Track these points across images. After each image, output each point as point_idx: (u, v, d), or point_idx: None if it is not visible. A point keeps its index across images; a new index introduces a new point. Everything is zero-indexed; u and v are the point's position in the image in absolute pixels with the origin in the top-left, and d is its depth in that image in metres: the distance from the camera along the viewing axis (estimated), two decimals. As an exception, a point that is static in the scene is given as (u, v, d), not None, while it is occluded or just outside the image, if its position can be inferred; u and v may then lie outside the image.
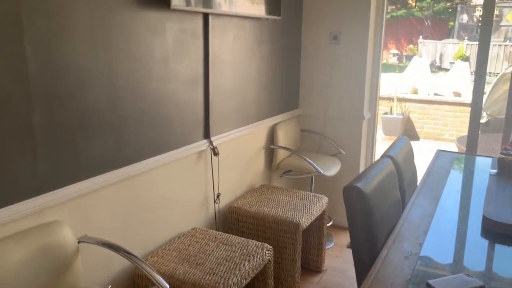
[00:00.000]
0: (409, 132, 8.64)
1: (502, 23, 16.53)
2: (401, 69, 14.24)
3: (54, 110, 1.89)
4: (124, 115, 2.27)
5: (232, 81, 3.17)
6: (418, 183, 2.71)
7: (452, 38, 17.22)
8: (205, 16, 2.78)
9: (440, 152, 3.31)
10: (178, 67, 2.61)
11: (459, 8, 17.56)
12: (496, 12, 15.48)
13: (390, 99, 8.63)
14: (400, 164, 2.59)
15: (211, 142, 2.94)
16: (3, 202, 1.73)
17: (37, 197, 1.86)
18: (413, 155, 3.04)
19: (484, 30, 3.63)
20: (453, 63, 13.52)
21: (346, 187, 2.01)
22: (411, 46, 18.04)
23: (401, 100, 8.59)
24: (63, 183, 1.97)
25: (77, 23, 1.94)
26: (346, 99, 4.02)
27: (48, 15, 1.81)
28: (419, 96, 8.85)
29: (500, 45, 14.26)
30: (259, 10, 3.24)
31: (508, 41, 15.30)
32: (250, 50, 3.34)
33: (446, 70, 14.64)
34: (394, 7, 19.71)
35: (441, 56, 15.87)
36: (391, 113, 8.52)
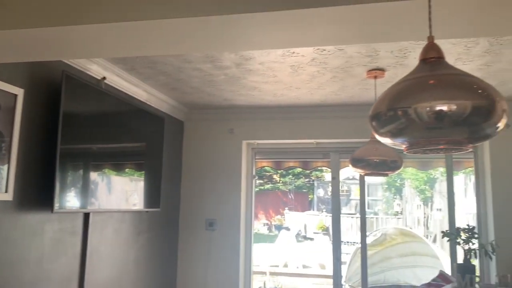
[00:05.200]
0: (283, 305, 8.79)
1: (352, 197, 19.12)
2: (271, 238, 15.12)
3: None
4: (-15, 328, 2.07)
5: (109, 273, 3.13)
6: None
7: (313, 210, 19.24)
8: (86, 214, 2.87)
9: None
10: (53, 267, 2.55)
11: (315, 184, 20.08)
12: (345, 187, 18.03)
13: (263, 273, 8.93)
14: None
15: None
16: None
17: None
18: None
19: (334, 203, 4.39)
20: (317, 233, 14.83)
21: None
22: (278, 216, 19.54)
23: (273, 274, 8.95)
24: None
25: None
26: (222, 281, 4.15)
27: None
28: (289, 270, 9.36)
29: (352, 217, 16.25)
30: (139, 204, 3.43)
31: (359, 213, 17.54)
32: (129, 241, 3.41)
33: (311, 239, 15.91)
34: (261, 181, 21.70)
35: (305, 226, 17.37)
36: (264, 287, 8.72)
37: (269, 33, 2.03)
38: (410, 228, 12.23)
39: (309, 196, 20.92)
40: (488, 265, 3.83)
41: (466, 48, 2.58)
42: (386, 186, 15.44)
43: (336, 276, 4.26)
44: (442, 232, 3.76)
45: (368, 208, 17.20)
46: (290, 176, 20.73)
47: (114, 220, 3.21)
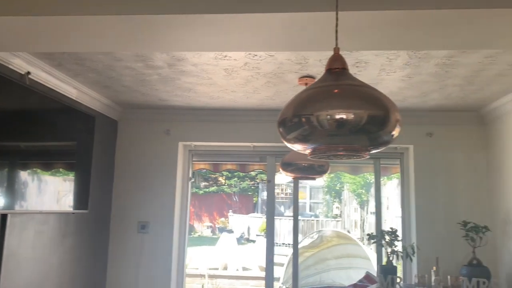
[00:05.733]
0: (221, 308, 8.77)
1: (295, 200, 19.35)
2: (214, 241, 15.04)
3: None
4: None
5: (29, 278, 2.98)
6: None
7: (257, 212, 19.38)
8: (3, 216, 2.71)
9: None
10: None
11: (260, 186, 20.25)
12: (289, 190, 18.33)
13: (202, 275, 8.86)
14: None
15: None
16: None
17: None
18: None
19: (269, 206, 4.46)
20: (259, 235, 14.94)
21: None
22: (222, 219, 19.50)
23: (212, 276, 8.91)
24: None
25: None
26: (153, 285, 4.08)
27: None
28: (229, 272, 9.35)
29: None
30: (66, 205, 3.30)
31: (300, 216, 17.89)
32: (52, 244, 3.27)
33: (253, 241, 16.00)
34: (207, 183, 21.56)
35: (248, 229, 17.46)
36: (203, 289, 8.66)
37: (196, 35, 2.04)
38: (348, 231, 12.65)
39: (254, 198, 21.06)
40: (410, 266, 4.05)
41: (388, 60, 2.72)
42: (326, 189, 15.85)
43: (269, 278, 4.32)
44: (368, 234, 3.93)
45: (310, 210, 17.56)
46: (236, 179, 20.78)
47: (35, 221, 3.07)
